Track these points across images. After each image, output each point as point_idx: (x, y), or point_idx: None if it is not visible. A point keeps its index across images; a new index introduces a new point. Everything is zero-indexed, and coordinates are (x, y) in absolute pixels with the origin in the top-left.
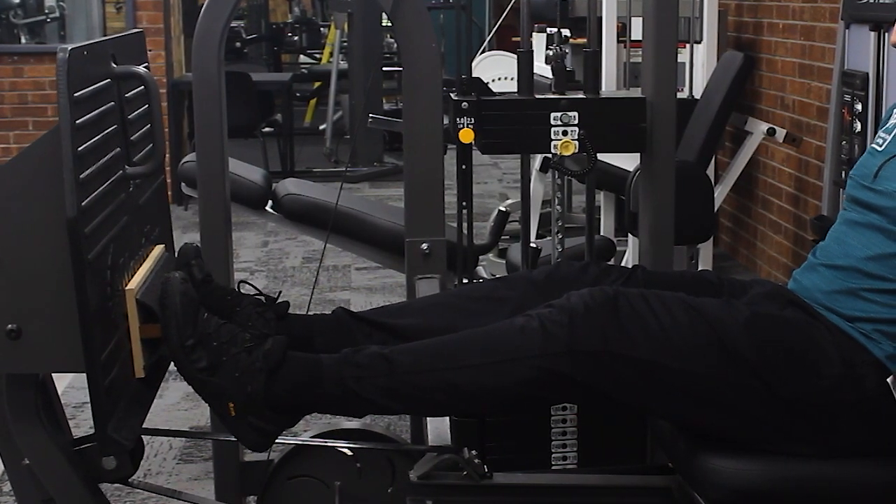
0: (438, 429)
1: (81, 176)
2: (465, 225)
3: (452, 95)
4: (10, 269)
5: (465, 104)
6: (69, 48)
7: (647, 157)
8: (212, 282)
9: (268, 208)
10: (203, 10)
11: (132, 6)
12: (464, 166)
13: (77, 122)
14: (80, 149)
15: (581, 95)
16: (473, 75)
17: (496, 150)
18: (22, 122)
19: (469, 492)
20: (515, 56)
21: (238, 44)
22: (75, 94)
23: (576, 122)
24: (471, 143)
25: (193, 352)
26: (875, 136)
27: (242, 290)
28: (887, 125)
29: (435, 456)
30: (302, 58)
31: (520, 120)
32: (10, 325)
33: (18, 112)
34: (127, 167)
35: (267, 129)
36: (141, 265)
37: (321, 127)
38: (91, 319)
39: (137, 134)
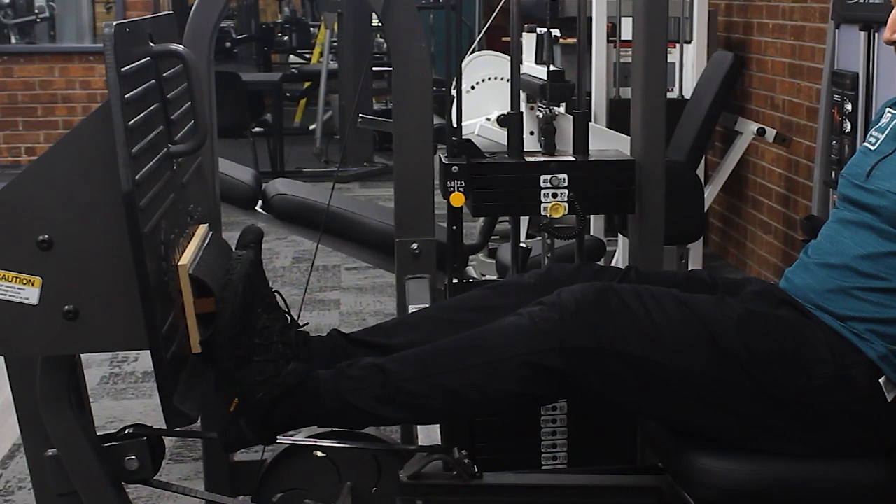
0: (428, 429)
1: (133, 150)
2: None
3: (443, 158)
4: (65, 249)
5: (455, 168)
6: (114, 24)
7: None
8: (264, 273)
9: (258, 208)
10: (193, 9)
11: (122, 6)
12: (454, 227)
13: (126, 96)
14: (129, 123)
15: (570, 158)
16: (463, 75)
17: (487, 213)
18: (12, 122)
19: (459, 492)
20: (505, 56)
21: (228, 44)
22: (122, 70)
23: (565, 184)
24: (461, 206)
25: (238, 337)
26: (867, 135)
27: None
28: (879, 124)
29: (425, 456)
30: (292, 58)
31: (510, 183)
32: (67, 307)
33: (8, 112)
34: (170, 145)
35: (257, 129)
36: (189, 243)
37: (311, 127)
38: (151, 293)
39: (176, 113)
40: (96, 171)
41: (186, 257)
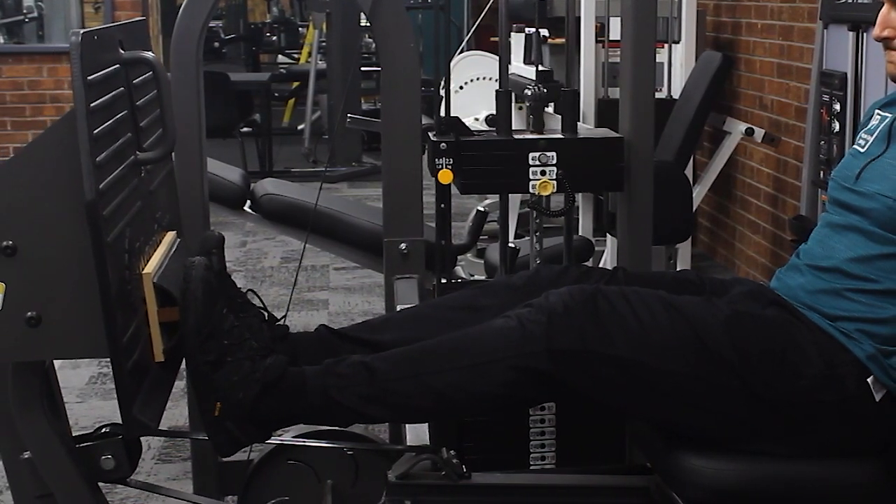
0: (417, 429)
1: (98, 159)
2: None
3: (431, 136)
4: (28, 256)
5: (443, 145)
6: (81, 32)
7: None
8: (228, 277)
9: (246, 208)
10: (181, 9)
11: (110, 6)
12: (442, 205)
13: (91, 105)
14: (95, 132)
15: (559, 135)
16: (451, 75)
17: (475, 191)
18: (0, 122)
19: (447, 492)
20: (494, 56)
21: (216, 44)
22: (88, 78)
23: (554, 161)
24: (449, 184)
25: (206, 342)
26: (856, 137)
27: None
28: (868, 126)
29: (413, 456)
30: (280, 58)
31: (498, 160)
32: (29, 313)
33: None
34: (138, 153)
35: (245, 129)
36: (155, 250)
37: (299, 127)
38: (113, 302)
39: (146, 120)
40: (61, 179)
41: (151, 266)
